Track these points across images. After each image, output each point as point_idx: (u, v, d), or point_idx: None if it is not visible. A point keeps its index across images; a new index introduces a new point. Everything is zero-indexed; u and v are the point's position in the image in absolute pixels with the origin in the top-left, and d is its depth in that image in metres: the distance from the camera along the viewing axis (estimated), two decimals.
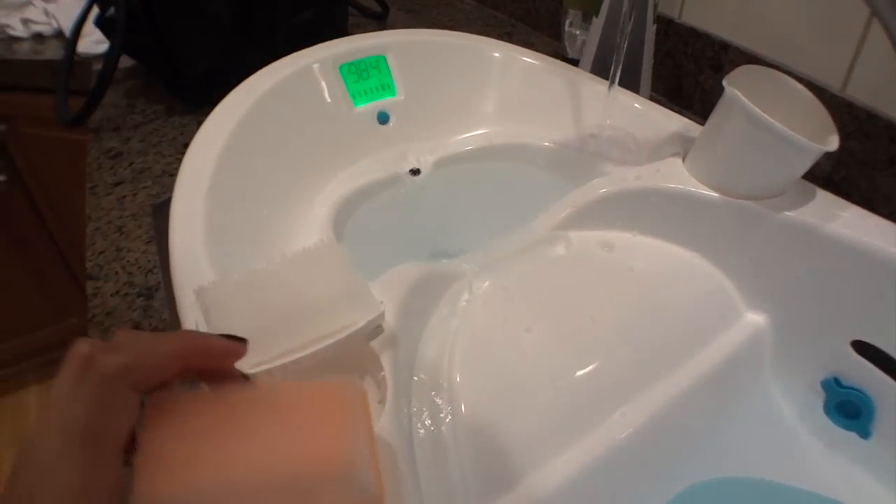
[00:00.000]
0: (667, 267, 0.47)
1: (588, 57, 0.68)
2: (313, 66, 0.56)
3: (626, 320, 0.43)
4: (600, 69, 0.65)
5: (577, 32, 0.78)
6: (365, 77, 0.58)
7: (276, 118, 0.51)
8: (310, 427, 0.24)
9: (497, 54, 0.61)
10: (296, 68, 0.55)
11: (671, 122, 0.53)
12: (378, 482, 0.24)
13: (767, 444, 0.43)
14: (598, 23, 0.66)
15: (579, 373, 0.39)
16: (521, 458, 0.35)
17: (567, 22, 0.79)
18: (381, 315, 0.32)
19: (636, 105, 0.55)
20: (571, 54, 0.80)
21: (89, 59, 0.82)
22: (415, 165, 0.57)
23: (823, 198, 0.43)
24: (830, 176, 0.56)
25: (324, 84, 0.56)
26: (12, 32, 0.93)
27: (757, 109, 0.40)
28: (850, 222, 0.41)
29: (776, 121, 0.40)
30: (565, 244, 0.48)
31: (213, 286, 0.29)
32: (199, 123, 0.49)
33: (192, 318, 0.33)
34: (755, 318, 0.46)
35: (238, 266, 0.33)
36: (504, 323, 0.41)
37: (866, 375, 0.41)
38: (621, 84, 0.53)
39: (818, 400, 0.44)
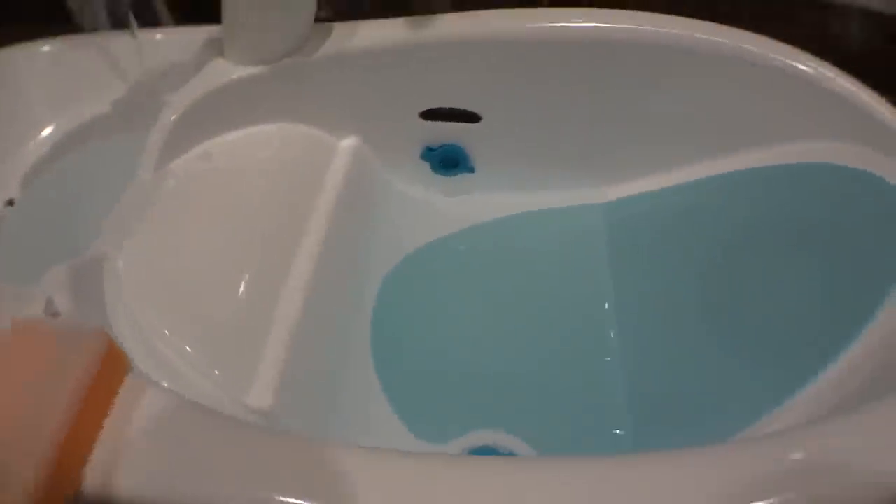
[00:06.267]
0: (262, 147, 0.50)
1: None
2: None
3: (252, 211, 0.47)
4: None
5: None
6: None
7: None
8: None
9: None
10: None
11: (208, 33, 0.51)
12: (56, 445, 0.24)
13: (410, 220, 0.57)
14: None
15: (240, 257, 0.45)
16: (243, 340, 0.42)
17: None
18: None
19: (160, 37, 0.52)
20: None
21: None
22: None
23: (341, 27, 0.50)
24: None
25: None
26: None
27: None
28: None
29: None
30: (173, 176, 0.48)
31: None
32: None
33: None
34: (348, 143, 0.55)
35: None
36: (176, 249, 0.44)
37: (443, 131, 0.54)
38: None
39: (426, 167, 0.57)
